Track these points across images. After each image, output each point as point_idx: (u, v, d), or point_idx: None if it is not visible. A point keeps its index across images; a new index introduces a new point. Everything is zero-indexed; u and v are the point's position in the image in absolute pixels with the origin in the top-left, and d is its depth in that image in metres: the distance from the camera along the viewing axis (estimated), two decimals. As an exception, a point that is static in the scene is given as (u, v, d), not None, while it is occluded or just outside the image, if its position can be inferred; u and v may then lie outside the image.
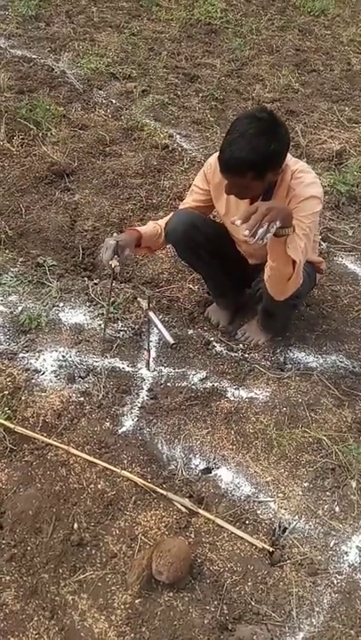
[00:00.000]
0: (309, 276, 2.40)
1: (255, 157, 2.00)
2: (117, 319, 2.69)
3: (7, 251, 2.99)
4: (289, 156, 2.23)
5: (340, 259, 3.16)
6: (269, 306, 2.43)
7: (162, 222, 2.49)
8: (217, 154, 2.22)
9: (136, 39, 5.21)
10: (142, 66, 4.81)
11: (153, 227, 2.48)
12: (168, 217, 2.49)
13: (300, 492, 2.08)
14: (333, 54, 5.34)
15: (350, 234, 3.31)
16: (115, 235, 2.42)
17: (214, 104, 4.40)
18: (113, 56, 4.88)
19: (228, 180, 2.14)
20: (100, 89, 4.46)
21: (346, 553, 1.93)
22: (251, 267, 2.54)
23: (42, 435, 2.18)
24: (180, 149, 3.86)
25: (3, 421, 2.18)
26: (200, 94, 4.54)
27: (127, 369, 2.49)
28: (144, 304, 2.42)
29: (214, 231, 2.48)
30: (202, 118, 4.22)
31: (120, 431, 2.24)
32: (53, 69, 4.58)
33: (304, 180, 2.18)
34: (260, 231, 1.89)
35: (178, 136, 4.01)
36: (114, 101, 4.31)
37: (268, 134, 2.01)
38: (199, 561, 1.87)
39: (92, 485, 2.05)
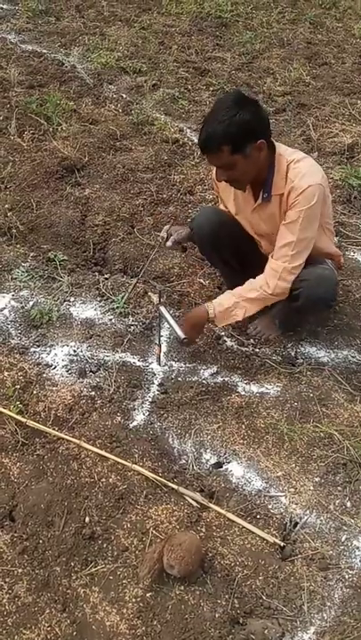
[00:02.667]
0: (335, 273, 2.45)
1: (225, 128, 2.05)
2: (128, 314, 2.69)
3: (18, 245, 3.01)
4: (284, 147, 2.25)
5: (351, 253, 3.14)
6: (307, 306, 2.43)
7: None
8: None
9: (146, 33, 5.19)
10: (153, 60, 4.80)
11: None
12: None
13: (312, 487, 2.08)
14: (345, 47, 5.29)
15: (362, 228, 3.29)
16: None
17: (225, 98, 4.37)
18: (123, 50, 4.87)
19: (211, 163, 2.21)
20: (111, 83, 4.45)
21: (357, 548, 1.92)
22: None
23: (53, 429, 2.19)
24: (190, 144, 3.85)
25: (15, 415, 2.20)
26: (211, 88, 4.52)
27: (138, 363, 2.49)
28: (155, 299, 2.43)
29: (239, 230, 2.50)
30: (212, 112, 4.20)
31: (131, 425, 2.25)
32: (64, 64, 4.59)
33: (301, 169, 2.19)
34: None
35: (188, 130, 4.00)
36: (124, 96, 4.31)
37: (234, 107, 2.07)
38: (210, 555, 1.87)
39: (103, 479, 2.05)
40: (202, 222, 2.49)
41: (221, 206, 2.61)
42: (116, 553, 1.87)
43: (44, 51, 4.77)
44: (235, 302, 2.32)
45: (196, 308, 2.46)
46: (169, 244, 2.45)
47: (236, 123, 2.04)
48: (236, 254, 2.53)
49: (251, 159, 2.13)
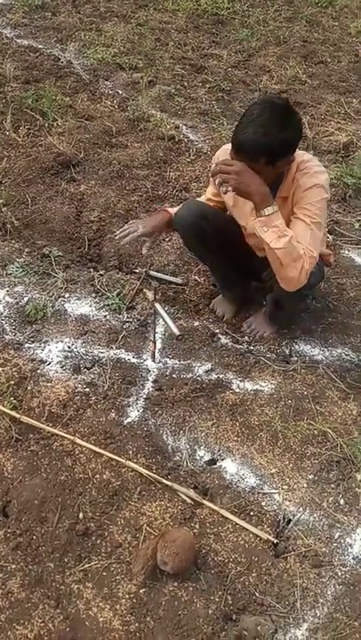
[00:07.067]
0: (319, 269, 2.40)
1: (269, 141, 2.01)
2: (123, 310, 2.69)
3: (13, 241, 2.99)
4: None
5: (346, 252, 3.15)
6: (279, 296, 2.42)
7: None
8: (225, 146, 2.20)
9: (143, 29, 5.18)
10: (149, 56, 4.79)
11: None
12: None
13: (305, 485, 2.09)
14: (341, 46, 5.29)
15: (357, 227, 3.29)
16: (143, 219, 2.48)
17: (221, 95, 4.37)
18: (119, 46, 4.85)
19: (238, 160, 2.13)
20: (107, 79, 4.44)
21: (350, 545, 1.93)
22: (258, 260, 2.53)
23: (47, 425, 2.18)
24: (186, 140, 3.84)
25: (9, 411, 2.19)
26: (207, 85, 4.51)
27: (132, 360, 2.49)
28: (150, 295, 2.42)
29: (223, 223, 2.47)
30: (208, 109, 4.20)
31: (125, 422, 2.25)
32: (60, 59, 4.56)
33: (308, 170, 2.19)
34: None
35: (184, 127, 4.00)
36: (120, 92, 4.30)
37: (283, 120, 2.03)
38: (204, 551, 1.88)
39: (97, 475, 2.05)
40: (184, 214, 2.43)
41: (207, 195, 2.57)
42: (109, 549, 1.87)
43: (40, 46, 4.74)
44: (280, 230, 2.10)
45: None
46: (144, 251, 2.50)
47: (280, 139, 2.02)
48: (222, 247, 2.49)
49: (277, 170, 2.13)
